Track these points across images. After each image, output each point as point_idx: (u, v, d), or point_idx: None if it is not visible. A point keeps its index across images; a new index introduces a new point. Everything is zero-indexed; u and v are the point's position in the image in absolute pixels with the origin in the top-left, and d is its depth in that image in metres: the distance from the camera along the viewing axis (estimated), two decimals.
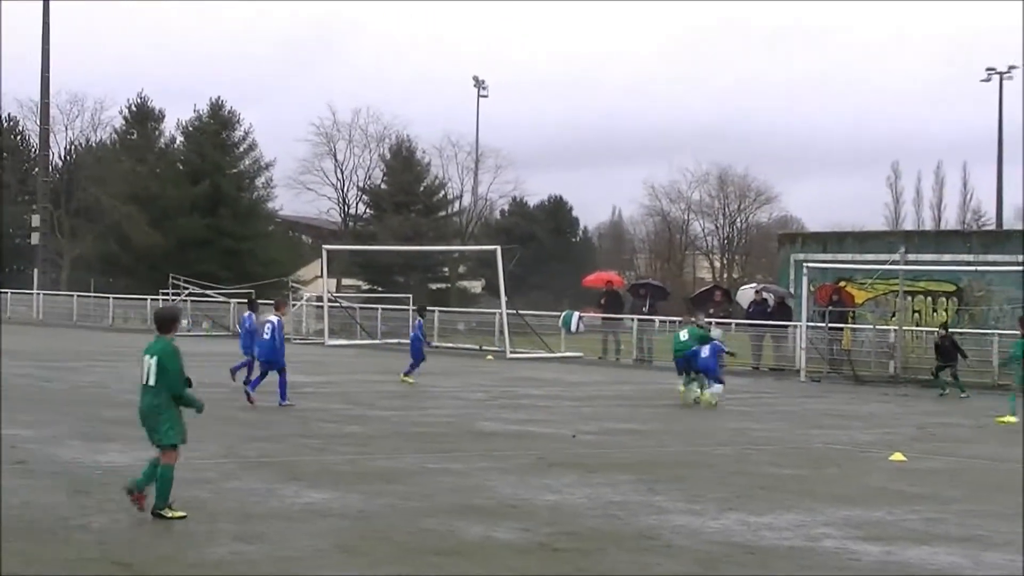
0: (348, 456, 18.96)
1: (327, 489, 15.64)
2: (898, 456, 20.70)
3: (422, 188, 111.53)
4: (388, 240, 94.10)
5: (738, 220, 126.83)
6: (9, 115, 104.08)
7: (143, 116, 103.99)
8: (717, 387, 30.12)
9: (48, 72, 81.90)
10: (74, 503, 14.11)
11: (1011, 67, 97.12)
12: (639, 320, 49.00)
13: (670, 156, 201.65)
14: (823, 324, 41.69)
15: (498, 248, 51.97)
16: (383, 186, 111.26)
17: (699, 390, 30.36)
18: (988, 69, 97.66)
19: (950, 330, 36.96)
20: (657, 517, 14.50)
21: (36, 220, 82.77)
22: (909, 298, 42.62)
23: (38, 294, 75.36)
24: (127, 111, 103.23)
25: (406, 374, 33.24)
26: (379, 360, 41.37)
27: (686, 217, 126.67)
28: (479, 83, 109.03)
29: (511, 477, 17.23)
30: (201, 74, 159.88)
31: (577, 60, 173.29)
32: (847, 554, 12.75)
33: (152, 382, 13.38)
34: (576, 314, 49.77)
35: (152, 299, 65.91)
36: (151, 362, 13.40)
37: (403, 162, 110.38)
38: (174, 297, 67.35)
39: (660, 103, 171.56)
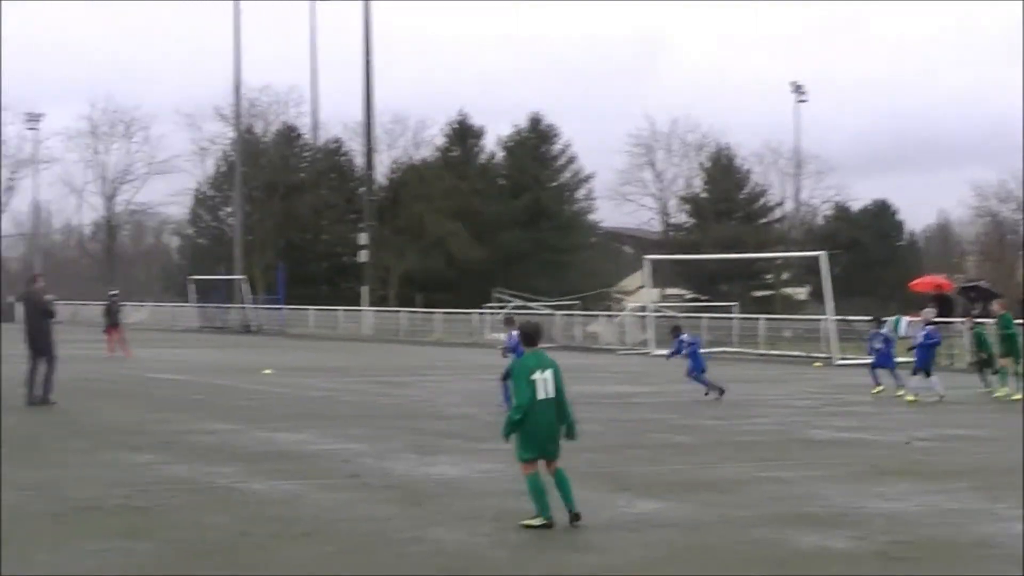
0: (677, 466, 18.86)
1: (658, 499, 15.57)
2: None
3: (743, 195, 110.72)
4: (710, 248, 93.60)
5: None
6: (336, 137, 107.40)
7: (463, 133, 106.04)
8: None
9: (371, 93, 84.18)
10: (407, 516, 14.33)
11: None
12: (970, 323, 47.56)
13: (998, 157, 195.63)
14: None
15: (822, 254, 51.20)
16: (703, 195, 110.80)
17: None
18: None
19: None
20: (996, 525, 14.00)
21: (363, 238, 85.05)
22: None
23: (366, 311, 77.42)
24: (448, 129, 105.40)
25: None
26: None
27: (1018, 217, 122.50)
28: (797, 88, 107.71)
29: (843, 485, 16.88)
30: (518, 91, 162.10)
31: (896, 62, 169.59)
32: None
33: (552, 394, 13.50)
34: (904, 319, 48.59)
35: (478, 313, 66.99)
36: (547, 376, 13.50)
37: (723, 170, 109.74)
38: (498, 311, 68.30)
39: (986, 102, 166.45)
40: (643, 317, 59.13)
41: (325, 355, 51.94)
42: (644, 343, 55.85)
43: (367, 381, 35.34)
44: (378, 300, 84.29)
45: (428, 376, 38.45)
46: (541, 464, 13.53)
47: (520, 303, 74.17)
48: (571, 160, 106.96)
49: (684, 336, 32.22)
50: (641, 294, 76.84)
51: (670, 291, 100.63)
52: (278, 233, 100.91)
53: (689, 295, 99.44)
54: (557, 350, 61.53)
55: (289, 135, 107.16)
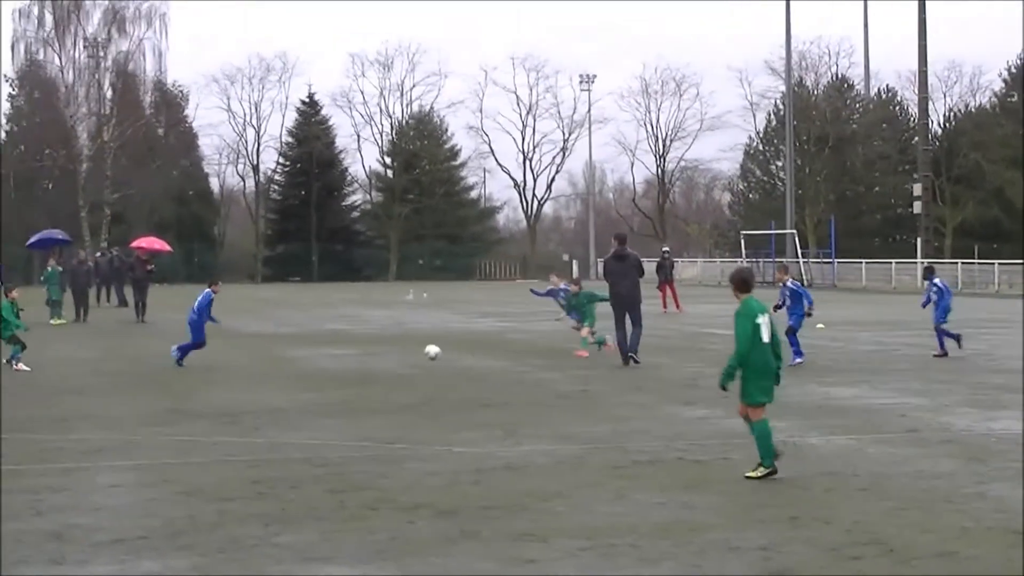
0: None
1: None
2: None
3: None
4: None
5: None
6: (888, 86, 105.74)
7: (1021, 78, 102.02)
8: None
9: (925, 40, 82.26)
10: (968, 471, 14.03)
11: None
12: None
13: None
14: None
15: None
16: None
17: None
18: None
19: None
20: None
21: (918, 189, 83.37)
22: None
23: (921, 263, 75.92)
24: (1006, 73, 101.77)
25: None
26: None
27: None
28: None
29: None
30: None
31: None
32: None
33: (769, 340, 13.50)
34: None
35: None
36: (767, 320, 13.52)
37: None
38: None
39: None
40: None
41: (878, 308, 51.34)
42: None
43: (921, 335, 34.58)
44: (933, 252, 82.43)
45: (985, 329, 37.31)
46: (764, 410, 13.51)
47: None
48: None
49: (936, 281, 29.22)
50: None
51: None
52: (829, 186, 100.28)
53: None
54: None
55: (840, 86, 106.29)
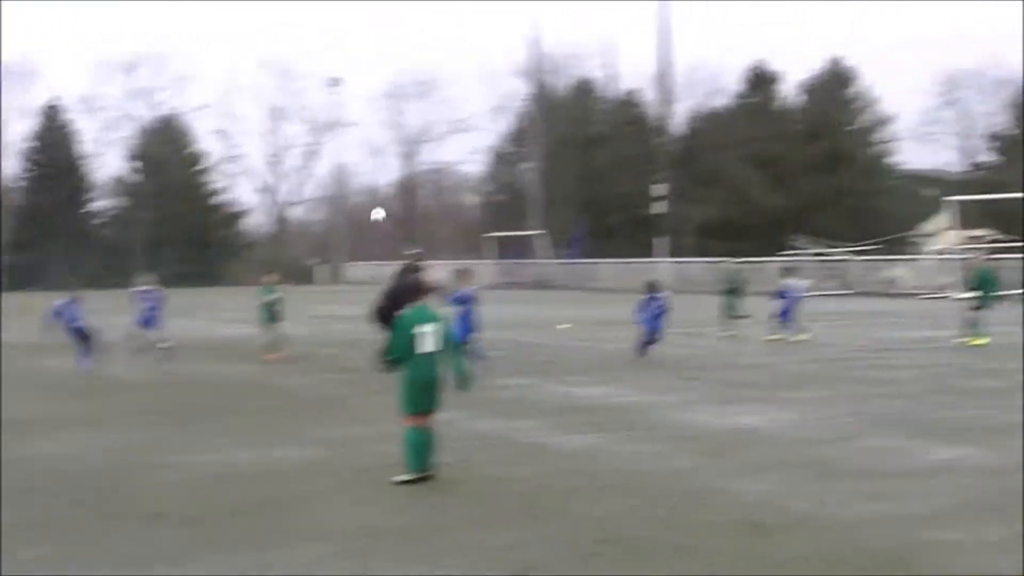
0: (981, 411, 18.50)
1: (958, 445, 15.34)
2: None
3: None
4: (1016, 188, 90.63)
5: None
6: (632, 89, 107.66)
7: (760, 80, 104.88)
8: None
9: (667, 43, 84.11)
10: (709, 467, 14.39)
11: None
12: None
13: None
14: None
15: None
16: (1009, 132, 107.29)
17: None
18: None
19: None
20: None
21: (659, 189, 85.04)
22: None
23: (662, 262, 77.49)
24: (745, 76, 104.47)
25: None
26: (1011, 313, 39.96)
27: None
28: None
29: None
30: (815, 34, 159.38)
31: None
32: None
33: (437, 348, 13.55)
34: None
35: (772, 261, 66.46)
36: (432, 329, 13.54)
37: None
38: (794, 258, 67.59)
39: None
40: (945, 260, 57.84)
41: (622, 308, 52.18)
42: (946, 287, 54.63)
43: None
44: (676, 251, 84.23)
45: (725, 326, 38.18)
46: (426, 418, 13.51)
47: (818, 249, 73.17)
48: (871, 103, 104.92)
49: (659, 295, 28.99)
50: (943, 236, 75.07)
51: (973, 232, 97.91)
52: (576, 187, 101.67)
53: (993, 236, 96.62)
54: (856, 296, 60.83)
55: (585, 88, 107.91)
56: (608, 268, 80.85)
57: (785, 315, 32.91)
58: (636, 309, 28.91)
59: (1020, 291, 29.69)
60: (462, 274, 26.46)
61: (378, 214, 27.02)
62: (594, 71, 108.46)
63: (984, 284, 31.38)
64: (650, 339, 28.18)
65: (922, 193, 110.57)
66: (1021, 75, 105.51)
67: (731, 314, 35.47)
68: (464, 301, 24.81)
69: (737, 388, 22.19)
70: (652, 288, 29.12)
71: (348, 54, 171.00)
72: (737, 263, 40.38)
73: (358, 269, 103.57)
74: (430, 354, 13.52)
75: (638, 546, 10.70)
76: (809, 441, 15.90)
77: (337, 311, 51.02)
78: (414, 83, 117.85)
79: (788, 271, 31.40)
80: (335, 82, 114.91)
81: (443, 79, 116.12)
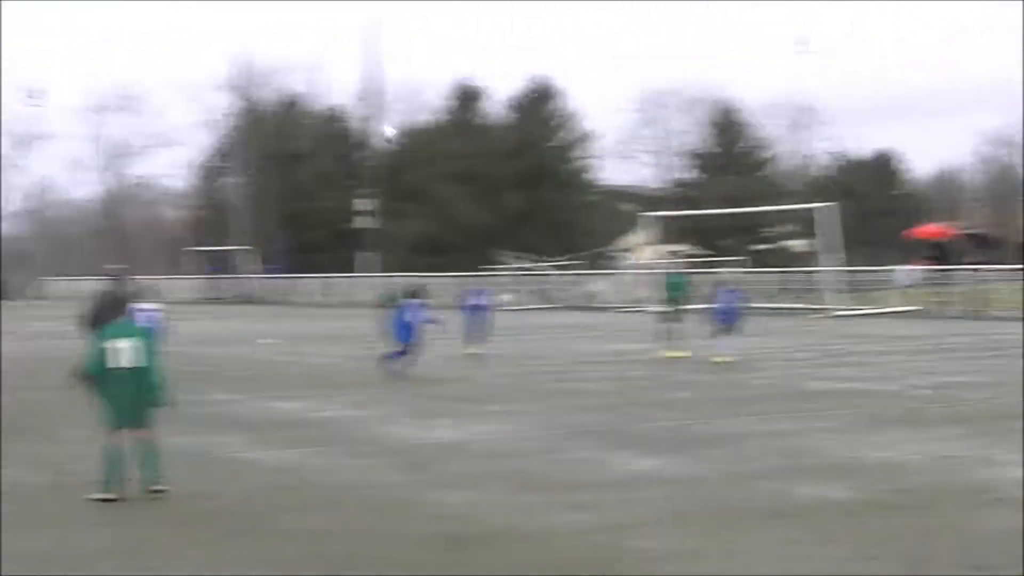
0: (678, 422, 18.96)
1: (657, 456, 15.67)
2: None
3: (744, 148, 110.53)
4: (711, 204, 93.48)
5: None
6: (336, 104, 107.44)
7: (465, 96, 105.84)
8: None
9: (374, 59, 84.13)
10: (409, 480, 14.42)
11: None
12: (969, 271, 47.71)
13: (1002, 103, 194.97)
14: None
15: (826, 206, 51.33)
16: (705, 149, 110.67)
17: None
18: None
19: None
20: (992, 470, 14.11)
21: (363, 204, 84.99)
22: None
23: (365, 277, 77.51)
24: (451, 92, 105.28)
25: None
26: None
27: (1019, 162, 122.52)
28: (801, 41, 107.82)
29: (841, 436, 17.01)
30: (520, 52, 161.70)
31: (898, 15, 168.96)
32: None
33: (134, 364, 13.33)
34: (906, 268, 48.81)
35: (475, 276, 67.12)
36: (127, 345, 13.32)
37: (725, 124, 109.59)
38: (495, 273, 68.39)
39: (991, 50, 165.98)
40: (642, 275, 59.23)
41: (324, 323, 52.05)
42: (643, 300, 55.91)
43: (366, 347, 35.31)
44: (382, 266, 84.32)
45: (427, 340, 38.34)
46: (127, 434, 13.37)
47: (522, 264, 74.18)
48: (573, 119, 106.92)
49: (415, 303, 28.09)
50: (641, 251, 76.91)
51: (671, 247, 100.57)
52: (280, 202, 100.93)
53: (689, 251, 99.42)
54: (557, 309, 61.79)
55: (290, 103, 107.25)
56: (311, 283, 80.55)
57: (473, 328, 32.69)
58: (389, 319, 27.85)
59: (711, 304, 30.44)
60: (144, 291, 26.01)
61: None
62: (300, 86, 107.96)
63: (674, 291, 32.07)
64: (403, 351, 27.24)
65: (622, 209, 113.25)
66: (716, 95, 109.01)
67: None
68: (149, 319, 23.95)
69: (438, 402, 22.31)
70: (410, 296, 28.11)
71: (49, 66, 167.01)
72: (418, 279, 40.44)
73: (59, 285, 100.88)
74: (128, 370, 13.24)
75: (339, 560, 10.63)
76: (509, 454, 16.07)
77: (37, 327, 49.56)
78: (117, 96, 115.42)
79: (478, 285, 31.30)
80: (35, 94, 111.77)
81: (147, 92, 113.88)
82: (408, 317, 27.34)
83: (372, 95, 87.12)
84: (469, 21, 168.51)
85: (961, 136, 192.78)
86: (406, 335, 27.22)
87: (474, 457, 15.86)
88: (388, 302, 35.23)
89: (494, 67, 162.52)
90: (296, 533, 11.61)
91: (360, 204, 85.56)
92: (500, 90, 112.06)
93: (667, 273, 35.21)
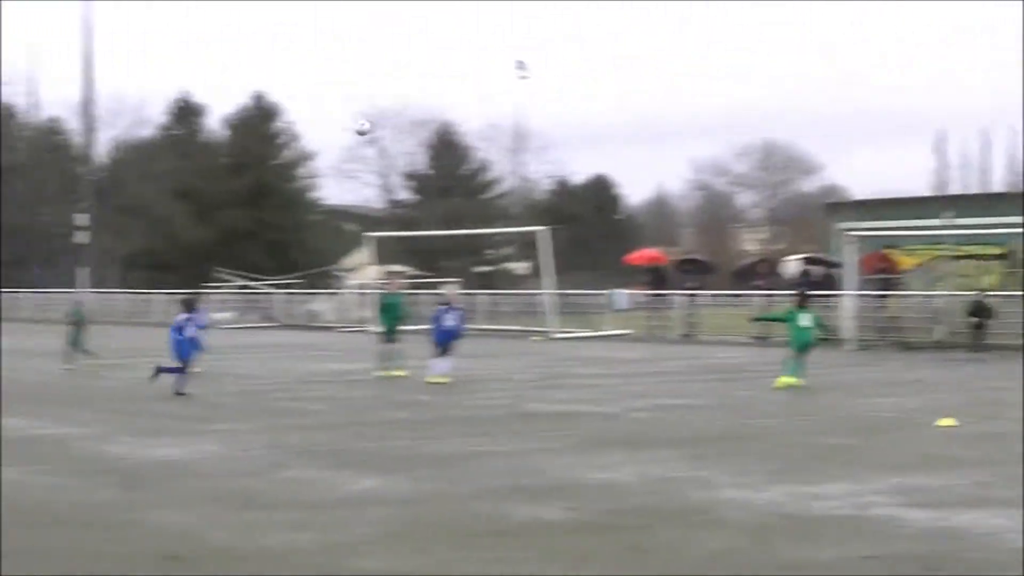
0: (399, 442, 19.02)
1: (378, 476, 15.71)
2: (948, 421, 20.66)
3: (465, 172, 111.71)
4: (433, 225, 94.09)
5: (783, 191, 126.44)
6: (53, 116, 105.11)
7: (185, 112, 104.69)
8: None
9: (92, 71, 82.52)
10: (125, 499, 14.20)
11: None
12: (685, 296, 48.94)
13: (714, 133, 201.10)
14: (870, 292, 41.73)
15: (542, 229, 52.06)
16: (426, 171, 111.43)
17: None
18: None
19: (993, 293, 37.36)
20: (706, 492, 14.51)
21: (81, 219, 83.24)
22: (957, 262, 42.51)
23: (83, 293, 75.88)
24: (169, 108, 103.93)
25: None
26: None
27: (731, 190, 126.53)
28: (520, 65, 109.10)
29: (560, 457, 17.27)
30: (241, 70, 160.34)
31: (617, 43, 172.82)
32: (896, 522, 12.72)
33: None
34: (622, 292, 49.81)
35: (195, 293, 66.26)
36: None
37: (445, 147, 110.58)
38: (215, 291, 67.71)
39: (705, 82, 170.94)
40: (364, 295, 59.27)
41: (42, 339, 50.71)
42: (364, 320, 55.94)
43: (86, 364, 34.65)
44: (99, 282, 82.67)
45: (148, 358, 37.77)
46: None
47: (241, 282, 73.48)
48: (294, 138, 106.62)
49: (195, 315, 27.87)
50: (363, 271, 76.94)
51: (393, 268, 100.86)
52: None
53: (412, 272, 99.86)
54: (278, 329, 61.44)
55: (6, 114, 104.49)
56: (29, 298, 78.47)
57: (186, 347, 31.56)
58: (169, 335, 26.96)
59: (426, 326, 30.66)
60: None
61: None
62: (16, 97, 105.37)
63: (389, 312, 32.10)
64: (182, 368, 26.40)
65: (345, 228, 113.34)
66: (437, 116, 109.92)
67: (76, 347, 35.15)
68: None
69: (160, 419, 21.99)
70: (187, 309, 27.28)
71: None
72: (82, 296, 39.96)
73: None
74: None
75: None
76: (230, 473, 15.93)
77: None
78: None
79: (188, 303, 30.11)
80: None
81: None
82: (189, 333, 26.80)
83: (89, 108, 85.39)
84: (193, 37, 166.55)
85: (675, 163, 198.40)
86: (185, 351, 26.60)
87: (195, 476, 15.69)
88: (74, 320, 34.90)
89: (218, 84, 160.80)
90: (12, 553, 11.31)
91: (79, 219, 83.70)
92: (223, 107, 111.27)
93: (383, 294, 35.25)
